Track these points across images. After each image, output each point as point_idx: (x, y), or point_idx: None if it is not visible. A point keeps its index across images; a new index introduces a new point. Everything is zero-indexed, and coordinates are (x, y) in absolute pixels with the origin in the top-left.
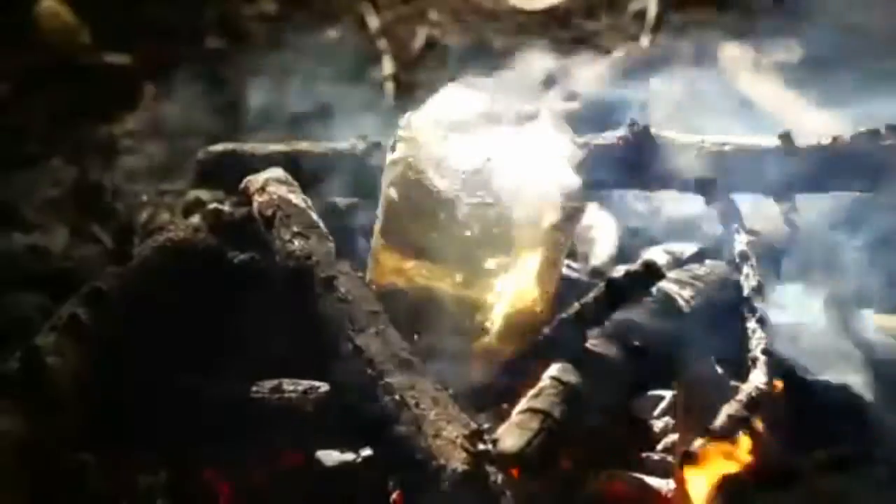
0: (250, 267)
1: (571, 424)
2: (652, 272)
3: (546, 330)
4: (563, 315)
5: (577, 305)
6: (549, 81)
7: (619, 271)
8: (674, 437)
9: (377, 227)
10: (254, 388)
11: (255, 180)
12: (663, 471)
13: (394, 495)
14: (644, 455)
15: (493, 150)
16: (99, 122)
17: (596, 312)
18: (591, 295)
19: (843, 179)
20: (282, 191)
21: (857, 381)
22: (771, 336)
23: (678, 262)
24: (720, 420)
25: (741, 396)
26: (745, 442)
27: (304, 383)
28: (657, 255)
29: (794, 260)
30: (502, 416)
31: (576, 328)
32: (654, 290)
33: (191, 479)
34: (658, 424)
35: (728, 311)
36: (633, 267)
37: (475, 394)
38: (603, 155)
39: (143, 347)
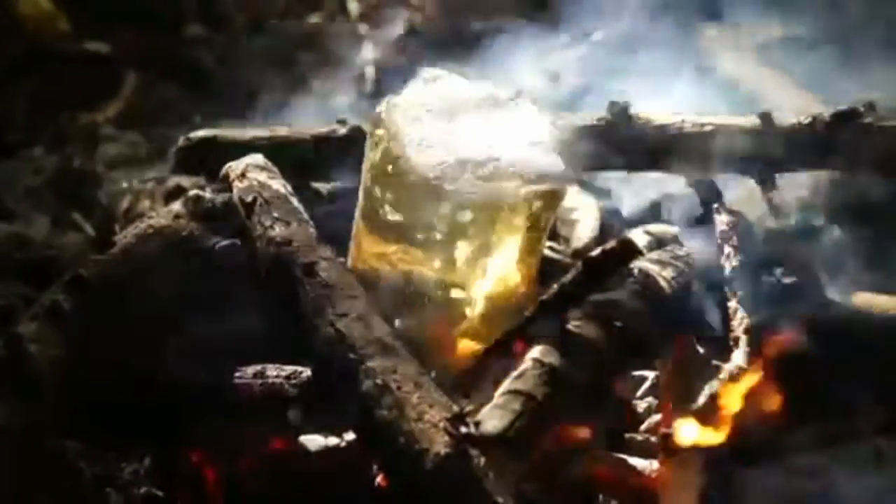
0: (231, 253)
1: (554, 406)
2: (628, 249)
3: (527, 312)
4: (544, 296)
5: (556, 286)
6: (530, 65)
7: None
8: (657, 417)
9: (358, 211)
10: (237, 374)
11: (235, 167)
12: (647, 451)
13: (377, 479)
14: (627, 435)
15: (473, 133)
16: (79, 110)
17: (575, 292)
18: (570, 275)
19: (822, 158)
20: (262, 177)
21: None
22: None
23: (659, 243)
24: (702, 399)
25: (723, 376)
26: (727, 420)
27: (288, 368)
28: (638, 235)
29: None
30: (484, 399)
31: (556, 309)
32: (635, 270)
33: (175, 464)
34: (641, 405)
35: (710, 290)
36: (610, 245)
37: (457, 377)
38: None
39: (125, 334)
